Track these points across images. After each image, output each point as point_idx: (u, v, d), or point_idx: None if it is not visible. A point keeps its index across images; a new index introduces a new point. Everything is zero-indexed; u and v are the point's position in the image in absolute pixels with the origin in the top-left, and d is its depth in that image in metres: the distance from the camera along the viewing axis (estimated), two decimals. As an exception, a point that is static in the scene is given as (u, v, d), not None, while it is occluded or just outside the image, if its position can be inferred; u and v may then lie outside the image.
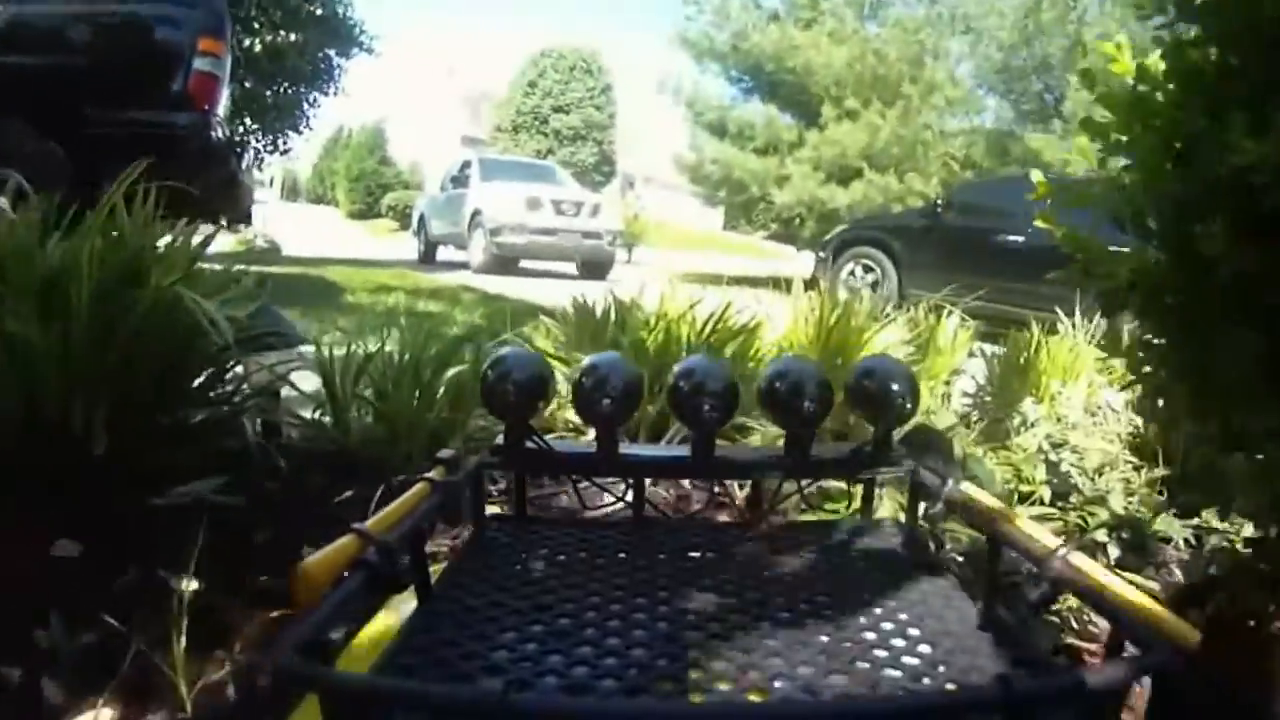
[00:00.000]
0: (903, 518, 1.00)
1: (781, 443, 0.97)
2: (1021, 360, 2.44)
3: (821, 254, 9.56)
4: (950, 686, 0.62)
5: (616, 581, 0.77)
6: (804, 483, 1.03)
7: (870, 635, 0.68)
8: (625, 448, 0.97)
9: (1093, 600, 0.63)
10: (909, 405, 0.95)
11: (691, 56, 15.64)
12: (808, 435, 0.95)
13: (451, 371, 1.59)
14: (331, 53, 12.00)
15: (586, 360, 0.96)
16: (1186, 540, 1.34)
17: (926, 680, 0.63)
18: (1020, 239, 8.02)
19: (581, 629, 0.68)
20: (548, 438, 0.95)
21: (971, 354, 2.80)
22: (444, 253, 12.70)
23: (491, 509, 1.00)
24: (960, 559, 1.03)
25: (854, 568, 0.86)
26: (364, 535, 0.65)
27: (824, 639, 0.67)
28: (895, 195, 13.87)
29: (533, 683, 0.60)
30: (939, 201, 9.07)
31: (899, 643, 0.67)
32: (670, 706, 0.57)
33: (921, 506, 0.92)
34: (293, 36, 10.63)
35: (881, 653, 0.66)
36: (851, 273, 8.49)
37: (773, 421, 0.99)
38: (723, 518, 1.28)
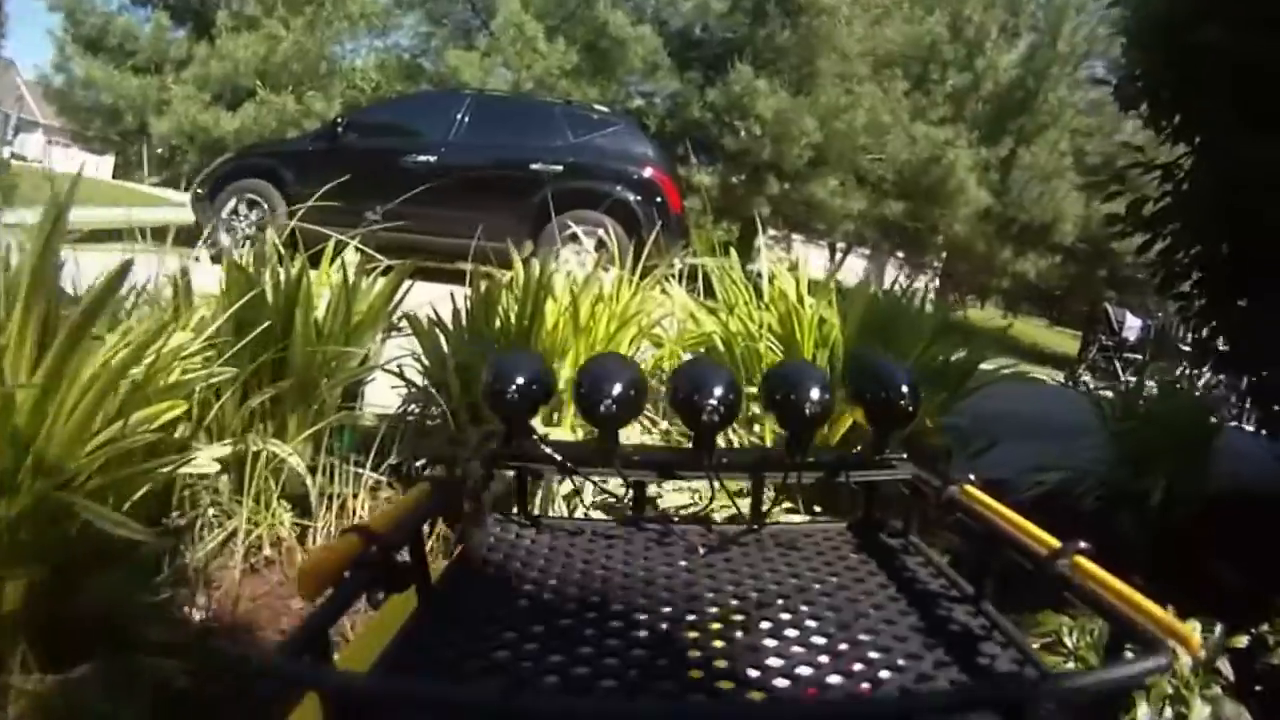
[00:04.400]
0: (901, 519, 1.00)
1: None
2: (508, 312, 1.49)
3: (200, 191, 7.82)
4: (949, 687, 0.62)
5: (617, 581, 0.77)
6: (804, 482, 1.03)
7: (869, 636, 0.68)
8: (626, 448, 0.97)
9: (1093, 601, 0.63)
10: (910, 407, 0.95)
11: (86, -49, 12.70)
12: (809, 436, 0.95)
13: None
14: None
15: (586, 361, 0.96)
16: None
17: (926, 681, 0.63)
18: (432, 159, 7.23)
19: (582, 629, 0.68)
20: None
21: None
22: None
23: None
24: (959, 560, 1.03)
25: (854, 568, 0.86)
26: (364, 534, 0.65)
27: (823, 640, 0.67)
28: (292, 118, 12.08)
29: (533, 683, 0.60)
30: (339, 121, 8.00)
31: (898, 644, 0.67)
32: (670, 707, 0.57)
33: (921, 507, 0.92)
34: None
35: (881, 654, 0.66)
36: (234, 211, 7.23)
37: (774, 421, 0.99)
38: (723, 518, 1.28)
